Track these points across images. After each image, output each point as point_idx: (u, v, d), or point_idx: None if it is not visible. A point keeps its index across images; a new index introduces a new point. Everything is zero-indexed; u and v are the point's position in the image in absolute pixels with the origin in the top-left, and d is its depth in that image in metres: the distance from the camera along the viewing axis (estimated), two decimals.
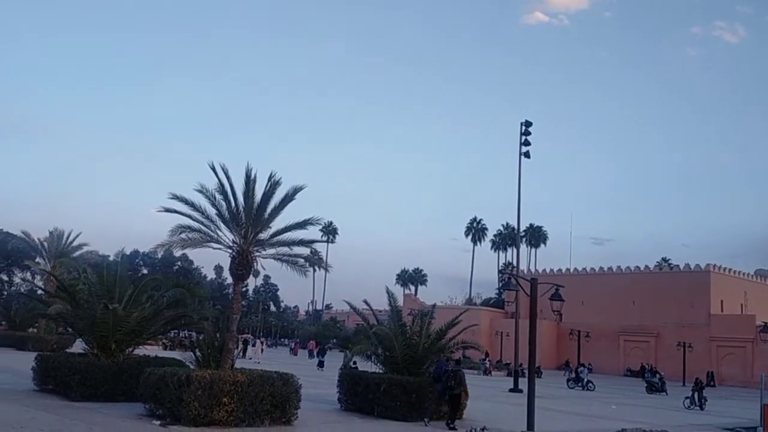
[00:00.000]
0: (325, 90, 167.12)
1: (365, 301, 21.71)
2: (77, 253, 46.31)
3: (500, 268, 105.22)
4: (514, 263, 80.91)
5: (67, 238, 47.21)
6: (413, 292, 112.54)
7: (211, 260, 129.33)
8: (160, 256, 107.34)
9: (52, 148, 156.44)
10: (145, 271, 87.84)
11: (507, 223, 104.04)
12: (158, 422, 14.53)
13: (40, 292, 53.94)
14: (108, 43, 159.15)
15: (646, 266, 77.99)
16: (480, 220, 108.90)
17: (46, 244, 47.15)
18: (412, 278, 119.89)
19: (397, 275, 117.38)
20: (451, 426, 17.61)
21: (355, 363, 27.25)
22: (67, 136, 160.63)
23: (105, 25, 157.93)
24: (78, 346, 27.48)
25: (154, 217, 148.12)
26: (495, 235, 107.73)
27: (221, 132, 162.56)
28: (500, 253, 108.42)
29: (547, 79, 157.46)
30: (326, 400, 21.28)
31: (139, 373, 16.69)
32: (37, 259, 51.28)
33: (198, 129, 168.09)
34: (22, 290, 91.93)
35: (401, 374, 19.23)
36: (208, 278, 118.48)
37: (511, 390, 34.72)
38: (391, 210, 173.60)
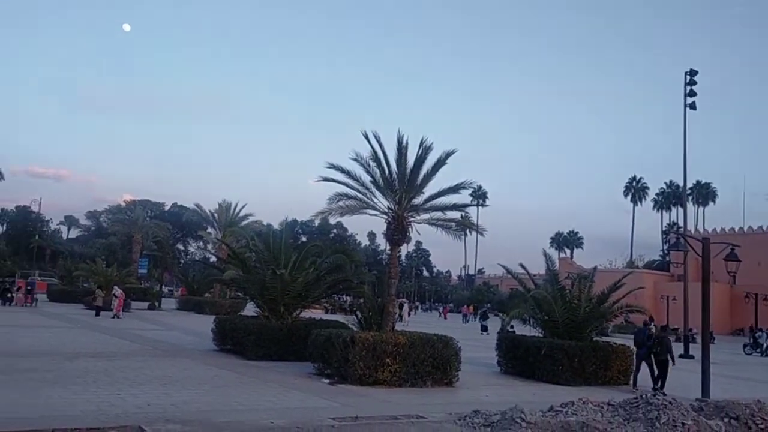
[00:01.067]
0: (474, 51, 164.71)
1: (521, 265, 21.35)
2: (244, 222, 49.43)
3: (664, 228, 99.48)
4: (680, 223, 76.12)
5: (235, 208, 50.46)
6: (569, 255, 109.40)
7: (364, 227, 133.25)
8: (317, 224, 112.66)
9: (218, 127, 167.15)
10: (303, 239, 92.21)
11: (670, 181, 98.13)
12: (327, 380, 15.25)
13: (212, 259, 58.42)
14: (266, 21, 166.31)
15: None
16: (640, 179, 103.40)
17: (216, 215, 50.64)
18: (567, 241, 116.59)
19: (551, 238, 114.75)
20: (658, 389, 17.16)
21: (512, 327, 27.07)
22: (230, 114, 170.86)
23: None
24: (249, 310, 29.55)
25: (310, 187, 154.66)
26: (657, 194, 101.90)
27: (372, 100, 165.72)
28: (663, 213, 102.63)
29: (710, 24, 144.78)
30: (485, 364, 21.31)
31: (306, 335, 17.60)
32: (209, 230, 55.31)
33: (350, 98, 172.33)
34: (197, 258, 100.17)
35: (562, 338, 18.83)
36: (362, 245, 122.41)
37: (681, 356, 32.95)
38: (543, 171, 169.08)
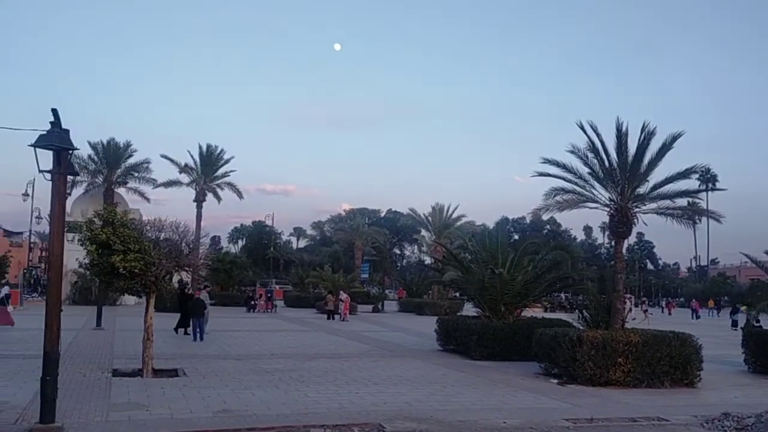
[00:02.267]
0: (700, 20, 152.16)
1: None
2: (457, 224, 50.18)
3: None
4: None
5: (447, 211, 51.38)
6: None
7: (579, 221, 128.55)
8: (528, 221, 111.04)
9: (425, 132, 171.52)
10: (516, 237, 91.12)
11: None
12: (555, 380, 14.90)
13: (427, 261, 60.03)
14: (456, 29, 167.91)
15: None
16: None
17: (430, 218, 51.95)
18: None
19: None
20: None
21: (758, 321, 24.43)
22: (437, 119, 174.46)
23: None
24: (468, 310, 29.82)
25: (518, 185, 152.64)
26: None
27: (582, 87, 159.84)
28: None
29: None
30: (729, 362, 19.54)
31: (529, 334, 17.36)
32: (423, 233, 56.89)
33: (558, 91, 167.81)
34: (413, 261, 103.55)
35: None
36: (578, 240, 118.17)
37: None
38: None
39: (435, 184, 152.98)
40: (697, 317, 49.48)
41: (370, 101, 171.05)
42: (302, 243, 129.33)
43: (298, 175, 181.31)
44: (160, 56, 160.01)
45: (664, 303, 75.15)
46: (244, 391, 12.53)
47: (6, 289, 32.82)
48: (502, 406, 11.93)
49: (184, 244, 14.72)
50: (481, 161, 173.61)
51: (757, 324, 23.69)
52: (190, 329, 23.37)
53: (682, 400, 13.37)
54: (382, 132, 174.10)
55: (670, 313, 61.44)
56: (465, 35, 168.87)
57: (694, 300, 67.35)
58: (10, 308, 27.90)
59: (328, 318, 36.84)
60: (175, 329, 24.26)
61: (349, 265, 66.64)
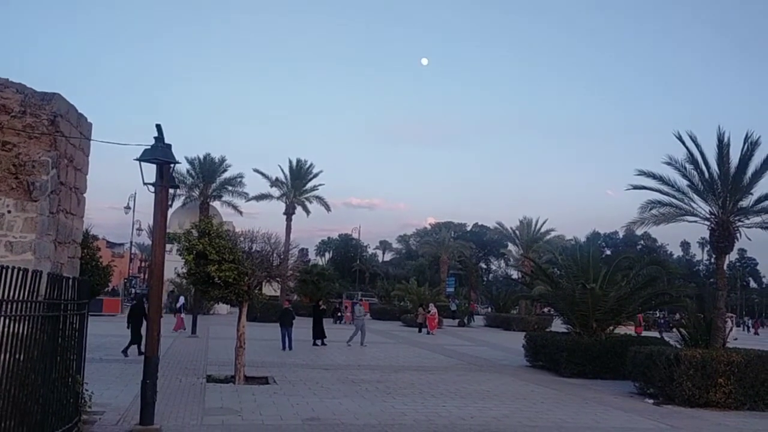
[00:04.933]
0: None
1: None
2: (546, 238, 49.22)
3: None
4: None
5: (536, 225, 50.51)
6: None
7: (675, 237, 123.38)
8: (621, 236, 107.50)
9: (515, 146, 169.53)
10: (608, 252, 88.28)
11: None
12: (651, 400, 14.32)
13: (514, 276, 59.09)
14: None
15: None
16: None
17: (518, 232, 51.21)
18: None
19: None
20: None
21: None
22: (526, 133, 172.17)
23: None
24: (556, 326, 29.12)
25: (609, 198, 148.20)
26: None
27: (679, 99, 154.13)
28: None
29: None
30: None
31: (622, 352, 16.77)
32: (510, 247, 56.07)
33: (639, 104, 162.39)
34: (500, 276, 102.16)
35: None
36: (674, 255, 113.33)
37: None
38: None
39: (523, 198, 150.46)
40: None
41: (457, 116, 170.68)
42: (388, 256, 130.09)
43: (384, 189, 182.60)
44: (254, 73, 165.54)
45: (750, 322, 69.53)
46: (331, 400, 12.70)
47: (182, 299, 35.17)
48: (595, 425, 11.57)
49: (274, 255, 15.14)
50: (571, 175, 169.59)
51: None
52: (326, 340, 25.25)
53: None
54: (469, 146, 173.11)
55: (756, 333, 56.68)
56: (552, 47, 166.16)
57: None
58: (182, 315, 30.30)
59: (419, 331, 36.89)
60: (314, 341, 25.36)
61: (434, 278, 66.35)
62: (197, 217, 17.34)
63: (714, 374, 13.66)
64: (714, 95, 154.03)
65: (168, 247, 20.06)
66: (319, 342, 25.19)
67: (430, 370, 18.66)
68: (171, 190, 14.04)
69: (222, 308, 39.04)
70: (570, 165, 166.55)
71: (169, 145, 9.90)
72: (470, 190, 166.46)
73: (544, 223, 50.61)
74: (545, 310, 44.69)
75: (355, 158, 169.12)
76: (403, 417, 11.31)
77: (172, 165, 10.11)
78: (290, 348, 22.59)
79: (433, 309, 37.71)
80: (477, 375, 18.17)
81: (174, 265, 26.04)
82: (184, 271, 15.29)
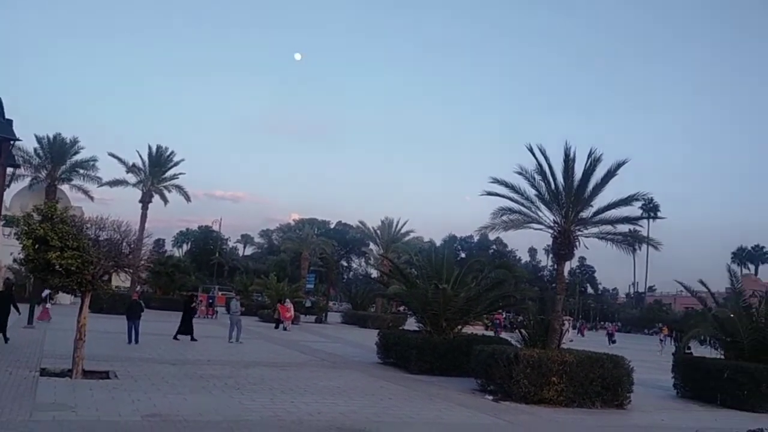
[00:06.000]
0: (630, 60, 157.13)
1: (701, 281, 19.88)
2: (405, 239, 50.42)
3: None
4: None
5: (396, 225, 51.57)
6: (753, 271, 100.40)
7: (524, 243, 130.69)
8: (476, 240, 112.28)
9: (378, 146, 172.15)
10: (462, 255, 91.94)
11: None
12: (491, 397, 15.04)
13: (374, 275, 60.00)
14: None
15: None
16: None
17: (379, 232, 52.03)
18: (751, 256, 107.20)
19: (733, 253, 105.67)
20: None
21: (689, 348, 25.22)
22: (393, 136, 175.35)
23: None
24: (410, 325, 29.91)
25: (467, 204, 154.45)
26: None
27: (532, 113, 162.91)
28: None
29: None
30: (659, 386, 20.06)
31: (468, 350, 17.48)
32: (371, 246, 56.91)
33: (508, 112, 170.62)
34: (360, 274, 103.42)
35: (747, 361, 17.25)
36: (522, 260, 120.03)
37: None
38: (721, 183, 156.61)
39: (386, 199, 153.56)
40: (613, 342, 48.73)
41: (327, 114, 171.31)
42: (249, 250, 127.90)
43: (250, 182, 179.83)
44: (117, 54, 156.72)
45: (578, 325, 74.29)
46: (176, 395, 12.26)
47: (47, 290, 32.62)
48: (438, 420, 11.98)
49: (125, 245, 14.39)
50: (432, 179, 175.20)
51: (688, 351, 24.50)
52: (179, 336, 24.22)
53: (611, 420, 13.68)
54: (336, 145, 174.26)
55: (582, 335, 60.20)
56: (422, 53, 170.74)
57: (610, 324, 67.56)
58: (48, 306, 29.00)
59: (276, 327, 36.52)
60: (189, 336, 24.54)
61: (295, 274, 65.99)
62: (42, 201, 16.15)
63: (548, 373, 14.56)
64: (572, 113, 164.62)
65: (6, 230, 18.58)
66: (180, 337, 24.33)
67: (283, 366, 18.53)
68: (10, 169, 13.01)
69: (65, 298, 36.51)
70: (433, 170, 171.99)
71: (10, 121, 9.20)
72: (336, 188, 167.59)
73: (404, 224, 51.84)
74: (401, 308, 45.80)
75: (222, 150, 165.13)
76: (250, 413, 11.13)
77: (11, 142, 9.35)
78: (136, 342, 21.58)
79: (289, 304, 37.61)
80: (329, 371, 18.26)
81: (11, 250, 24.10)
82: (22, 257, 14.19)
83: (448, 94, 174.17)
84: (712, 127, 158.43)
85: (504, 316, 48.32)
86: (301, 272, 61.71)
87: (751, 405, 16.23)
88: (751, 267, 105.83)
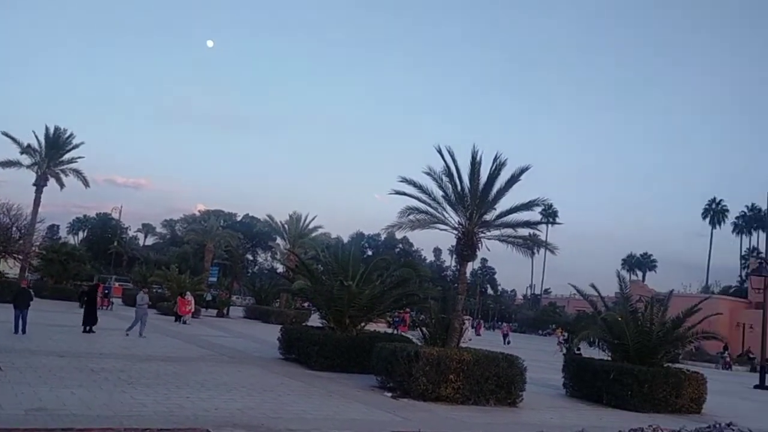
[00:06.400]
0: (544, 67, 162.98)
1: (593, 286, 20.83)
2: (313, 234, 50.14)
3: (743, 253, 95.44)
4: (761, 248, 72.75)
5: (305, 220, 51.19)
6: (641, 278, 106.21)
7: (430, 243, 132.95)
8: (383, 238, 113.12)
9: (289, 138, 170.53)
10: (369, 253, 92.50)
11: (752, 204, 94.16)
12: (389, 394, 15.23)
13: (280, 269, 59.45)
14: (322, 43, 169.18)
15: None
16: (720, 201, 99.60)
17: (286, 226, 51.44)
18: (639, 263, 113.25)
19: (623, 260, 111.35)
20: None
21: (578, 349, 26.43)
22: (302, 128, 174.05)
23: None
24: (314, 320, 29.85)
25: (377, 202, 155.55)
26: (737, 218, 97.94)
27: (442, 113, 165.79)
28: (743, 237, 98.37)
29: None
30: (550, 385, 20.87)
31: (370, 348, 17.61)
32: (278, 241, 56.29)
33: (414, 114, 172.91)
34: (266, 268, 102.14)
35: (632, 363, 18.27)
36: (427, 260, 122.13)
37: (756, 387, 31.63)
38: (614, 191, 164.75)
39: (296, 194, 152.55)
40: (508, 342, 50.37)
41: (236, 104, 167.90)
42: (150, 240, 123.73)
43: (154, 169, 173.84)
44: (24, 32, 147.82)
45: (475, 324, 75.98)
46: (64, 389, 11.73)
47: None
48: (335, 416, 12.01)
49: (15, 229, 13.67)
50: (343, 176, 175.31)
51: (578, 351, 25.67)
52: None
53: (503, 418, 14.13)
54: (246, 136, 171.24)
55: (478, 334, 61.22)
56: (336, 47, 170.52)
57: (504, 324, 69.90)
58: None
59: (176, 320, 35.52)
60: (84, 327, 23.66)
61: (198, 267, 64.37)
62: None
63: (447, 371, 14.90)
64: (485, 116, 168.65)
65: None
66: (88, 328, 23.47)
67: (180, 361, 18.06)
68: None
69: None
70: (344, 167, 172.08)
71: None
72: (246, 181, 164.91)
73: (312, 219, 51.53)
74: (305, 304, 45.55)
75: (125, 135, 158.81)
76: (142, 408, 10.79)
77: None
78: (24, 332, 20.49)
79: (189, 297, 36.75)
80: (228, 367, 17.95)
81: None
82: None
83: (361, 91, 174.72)
84: (608, 136, 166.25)
85: (410, 314, 48.97)
86: (205, 265, 60.25)
87: (635, 405, 17.16)
88: (639, 273, 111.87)
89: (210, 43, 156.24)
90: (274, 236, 57.25)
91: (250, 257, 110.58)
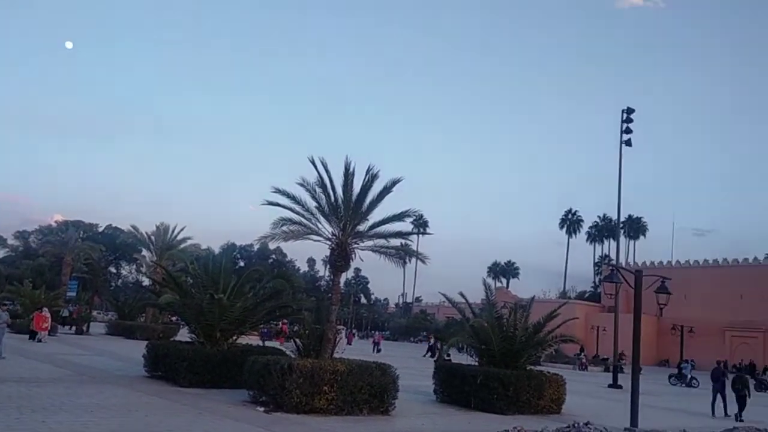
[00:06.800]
0: (418, 77, 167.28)
1: (461, 294, 21.57)
2: (182, 246, 48.27)
3: (596, 260, 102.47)
4: (612, 256, 78.38)
5: (173, 232, 49.26)
6: (505, 285, 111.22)
7: (304, 253, 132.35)
8: (256, 249, 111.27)
9: (156, 147, 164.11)
10: (242, 264, 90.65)
11: (604, 215, 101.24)
12: (262, 408, 14.97)
13: (146, 283, 56.88)
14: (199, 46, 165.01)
15: (756, 258, 73.79)
16: (575, 211, 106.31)
17: (153, 237, 49.28)
18: (504, 271, 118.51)
19: (489, 268, 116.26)
20: (740, 419, 21.16)
21: (449, 355, 27.24)
22: (169, 137, 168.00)
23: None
24: (182, 335, 28.83)
25: (249, 213, 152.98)
26: (591, 227, 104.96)
27: (314, 123, 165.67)
28: (596, 245, 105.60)
29: (645, 64, 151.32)
30: (421, 392, 21.31)
31: (242, 362, 17.19)
32: (143, 252, 53.79)
33: (287, 122, 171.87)
34: (130, 282, 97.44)
35: (498, 367, 19.06)
36: (301, 271, 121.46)
37: (610, 386, 33.97)
38: (481, 201, 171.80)
39: (164, 204, 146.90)
40: (378, 350, 51.23)
41: (97, 109, 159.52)
42: (1, 254, 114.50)
43: (5, 180, 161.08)
44: None
45: (346, 333, 76.46)
46: None
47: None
48: None
49: None
50: (215, 187, 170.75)
51: (448, 357, 26.45)
52: None
53: (376, 427, 14.28)
54: (108, 143, 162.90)
55: (350, 343, 62.07)
56: (206, 49, 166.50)
57: (376, 333, 71.17)
58: None
59: (31, 338, 33.03)
60: None
61: (54, 281, 60.33)
62: None
63: (320, 382, 14.83)
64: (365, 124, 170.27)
65: None
66: None
67: (35, 382, 16.82)
68: None
69: None
70: (216, 176, 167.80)
71: None
72: (108, 190, 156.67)
73: (181, 230, 49.63)
74: (173, 318, 43.86)
75: None
76: None
77: None
78: None
79: (46, 313, 34.43)
80: (88, 387, 16.92)
81: None
82: None
83: (233, 98, 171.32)
84: (483, 150, 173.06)
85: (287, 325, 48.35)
86: (63, 279, 56.47)
87: (500, 408, 17.88)
88: (504, 280, 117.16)
89: (69, 45, 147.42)
90: (140, 248, 54.62)
91: (113, 270, 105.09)
